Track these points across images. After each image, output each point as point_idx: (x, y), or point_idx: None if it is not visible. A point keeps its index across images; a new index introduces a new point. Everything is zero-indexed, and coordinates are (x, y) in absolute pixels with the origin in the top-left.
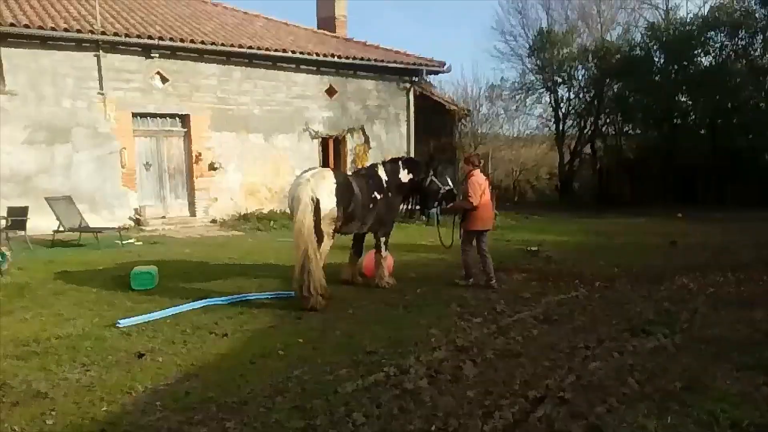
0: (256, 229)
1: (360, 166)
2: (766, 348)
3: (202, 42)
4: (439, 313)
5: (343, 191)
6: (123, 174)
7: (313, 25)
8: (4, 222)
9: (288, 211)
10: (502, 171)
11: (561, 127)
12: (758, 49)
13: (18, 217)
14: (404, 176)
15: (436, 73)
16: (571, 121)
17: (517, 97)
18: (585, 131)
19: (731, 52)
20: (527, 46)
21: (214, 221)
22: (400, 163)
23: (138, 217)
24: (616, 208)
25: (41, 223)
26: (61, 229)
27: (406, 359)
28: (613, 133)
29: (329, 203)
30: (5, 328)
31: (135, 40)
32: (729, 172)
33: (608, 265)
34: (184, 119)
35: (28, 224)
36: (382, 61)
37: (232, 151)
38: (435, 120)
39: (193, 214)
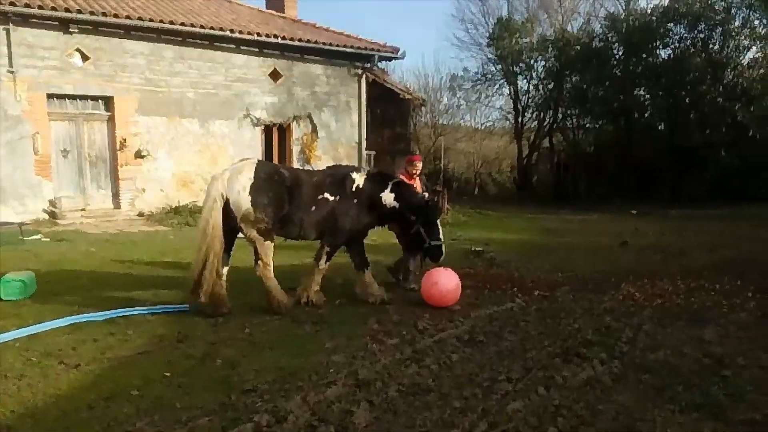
0: (185, 223)
1: (310, 157)
2: (714, 380)
3: (128, 17)
4: (351, 332)
5: (268, 188)
6: (36, 161)
7: (261, 5)
8: None
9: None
10: (464, 163)
11: (520, 120)
12: (717, 43)
13: None
14: (388, 198)
15: (390, 59)
16: (530, 114)
17: (478, 87)
18: (544, 124)
19: (690, 46)
20: (487, 35)
21: (141, 214)
22: (389, 182)
23: (53, 209)
24: (572, 203)
25: None
26: None
27: (290, 400)
28: (572, 126)
29: (243, 202)
30: None
31: (50, 12)
32: (685, 168)
33: (553, 270)
34: (108, 102)
35: None
36: (332, 44)
37: (162, 138)
38: (389, 109)
39: (117, 206)
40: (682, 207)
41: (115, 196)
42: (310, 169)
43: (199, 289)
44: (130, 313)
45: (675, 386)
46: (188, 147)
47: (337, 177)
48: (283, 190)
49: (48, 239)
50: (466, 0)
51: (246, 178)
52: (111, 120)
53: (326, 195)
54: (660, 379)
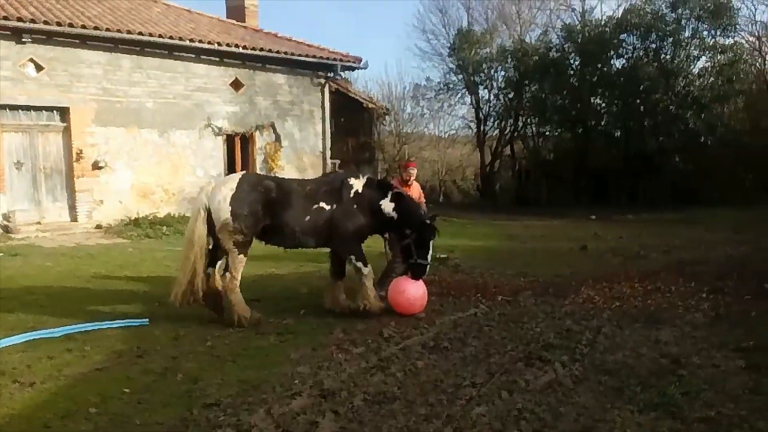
0: (145, 235)
1: (274, 167)
2: (671, 380)
3: (83, 26)
4: (317, 341)
5: (249, 199)
6: None
7: (222, 15)
8: None
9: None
10: (429, 171)
11: (482, 128)
12: (668, 52)
13: None
14: (387, 206)
15: (352, 68)
16: (491, 123)
17: (440, 97)
18: (505, 132)
19: (643, 55)
20: (448, 46)
21: (99, 227)
22: (389, 191)
23: (7, 223)
24: (534, 209)
25: None
26: None
27: (253, 413)
28: (532, 134)
29: (222, 213)
30: None
31: (1, 22)
32: (641, 174)
33: (515, 275)
34: (63, 112)
35: None
36: (293, 54)
37: (120, 148)
38: (353, 118)
39: (74, 218)
40: (639, 211)
41: (72, 208)
42: (304, 178)
43: (192, 296)
44: (88, 328)
45: (633, 387)
46: (147, 157)
47: (334, 186)
48: (266, 202)
49: (1, 254)
50: (426, 11)
51: (228, 189)
52: (67, 131)
53: (322, 204)
54: (619, 380)
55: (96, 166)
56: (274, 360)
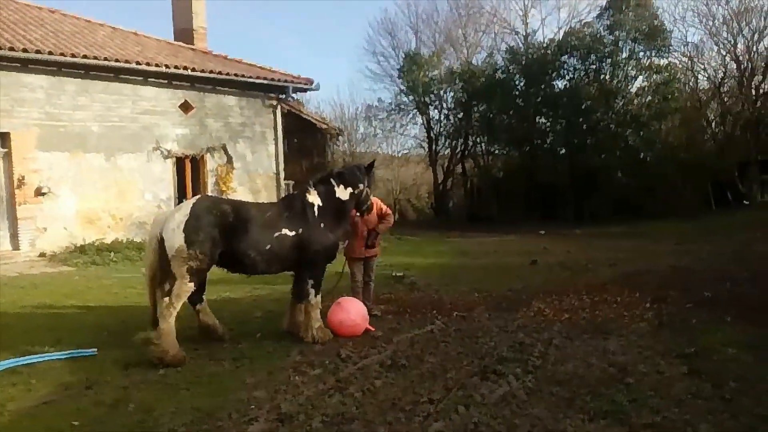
0: (92, 262)
1: (226, 189)
2: (619, 388)
3: (25, 50)
4: (273, 365)
5: (203, 225)
6: None
7: (170, 38)
8: None
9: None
10: (383, 190)
11: (434, 148)
12: (607, 73)
13: None
14: (343, 194)
15: (304, 90)
16: (443, 142)
17: (392, 117)
18: (456, 151)
19: (584, 76)
20: (398, 68)
21: (42, 255)
22: (331, 180)
23: None
24: (486, 226)
25: None
26: None
27: None
28: (482, 153)
29: (175, 241)
30: None
31: None
32: (586, 190)
33: (469, 290)
34: (4, 138)
35: None
36: (243, 75)
37: (65, 174)
38: (306, 139)
39: (16, 247)
40: (585, 226)
41: (14, 236)
42: (263, 202)
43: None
44: (33, 360)
45: (584, 396)
46: (93, 182)
47: (296, 210)
48: (222, 227)
49: None
50: (376, 33)
51: (182, 215)
52: (8, 157)
53: (285, 231)
54: (570, 390)
55: (39, 193)
56: (229, 386)
